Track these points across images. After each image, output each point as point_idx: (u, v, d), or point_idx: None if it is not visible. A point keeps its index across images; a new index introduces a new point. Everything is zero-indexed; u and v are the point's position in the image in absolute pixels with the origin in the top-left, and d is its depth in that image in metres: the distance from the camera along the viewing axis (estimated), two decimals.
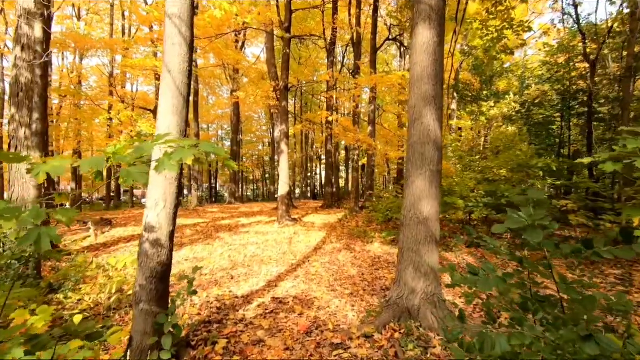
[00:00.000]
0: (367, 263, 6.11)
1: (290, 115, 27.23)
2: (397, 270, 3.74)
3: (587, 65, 12.25)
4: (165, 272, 2.78)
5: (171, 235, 2.80)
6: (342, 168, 33.18)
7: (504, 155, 7.12)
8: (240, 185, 29.59)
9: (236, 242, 7.95)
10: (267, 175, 32.68)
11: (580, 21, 10.44)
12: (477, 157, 9.07)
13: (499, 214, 6.98)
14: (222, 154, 2.06)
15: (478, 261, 6.35)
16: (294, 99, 25.90)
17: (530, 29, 7.39)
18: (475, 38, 15.80)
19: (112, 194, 22.44)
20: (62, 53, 22.49)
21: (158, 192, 2.74)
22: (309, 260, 6.32)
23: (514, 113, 10.64)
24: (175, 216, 2.85)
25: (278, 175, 10.79)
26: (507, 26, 6.87)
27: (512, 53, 7.62)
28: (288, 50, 10.19)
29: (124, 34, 20.26)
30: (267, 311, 3.97)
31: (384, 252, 6.95)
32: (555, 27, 11.77)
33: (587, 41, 12.43)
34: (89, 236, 8.15)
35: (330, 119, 8.00)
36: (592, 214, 6.44)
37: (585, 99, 12.09)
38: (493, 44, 7.07)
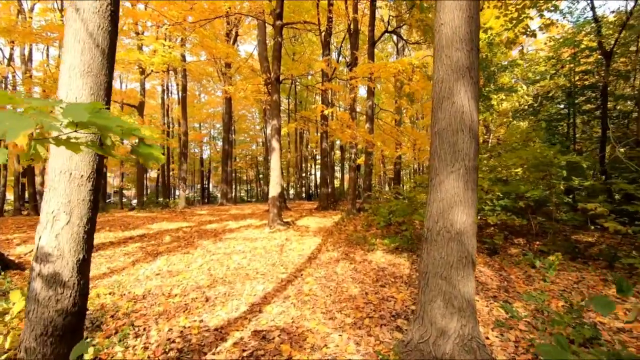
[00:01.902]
0: (370, 277, 5.11)
1: (283, 112, 26.21)
2: (418, 302, 2.74)
3: (593, 59, 11.45)
4: (70, 327, 1.73)
5: (81, 266, 1.76)
6: (337, 168, 32.25)
7: (521, 152, 6.18)
8: (233, 186, 28.46)
9: (220, 251, 6.90)
10: (260, 176, 31.57)
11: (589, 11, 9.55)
12: (486, 154, 8.15)
13: (518, 217, 6.03)
14: (123, 129, 1.04)
15: (497, 274, 5.40)
16: (287, 97, 24.86)
17: (556, 8, 6.45)
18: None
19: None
20: (47, 48, 21.24)
21: (58, 200, 1.70)
22: (301, 274, 5.30)
23: (526, 107, 9.74)
24: (90, 236, 1.81)
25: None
26: (529, 4, 5.92)
27: (534, 35, 6.70)
28: (280, 39, 9.15)
29: None
30: (245, 353, 2.94)
31: (388, 262, 5.96)
32: (565, 17, 10.90)
33: (591, 34, 11.63)
34: None
35: (326, 112, 7.03)
36: (625, 218, 5.52)
37: (594, 94, 11.30)
38: (512, 25, 6.14)
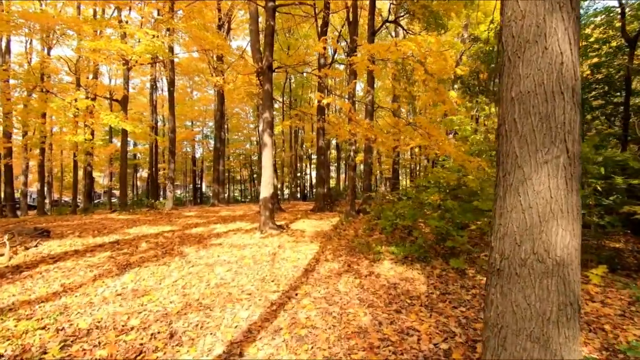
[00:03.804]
0: (380, 298, 4.07)
1: (277, 110, 25.06)
2: None
3: (604, 52, 10.63)
4: None
5: None
6: (332, 168, 31.25)
7: None
8: (226, 186, 27.24)
9: (201, 261, 5.80)
10: (254, 175, 30.40)
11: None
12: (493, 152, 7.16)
13: None
14: None
15: None
16: (282, 95, 23.74)
17: None
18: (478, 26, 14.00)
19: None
20: (30, 41, 19.92)
21: None
22: (296, 294, 4.23)
23: None
24: None
25: None
26: None
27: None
28: (272, 22, 8.09)
29: (95, 17, 17.78)
30: None
31: (399, 276, 4.93)
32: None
33: (602, 26, 10.87)
34: (2, 254, 5.85)
35: (324, 101, 6.01)
36: None
37: (603, 89, 10.49)
38: None
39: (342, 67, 19.20)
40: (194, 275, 5.05)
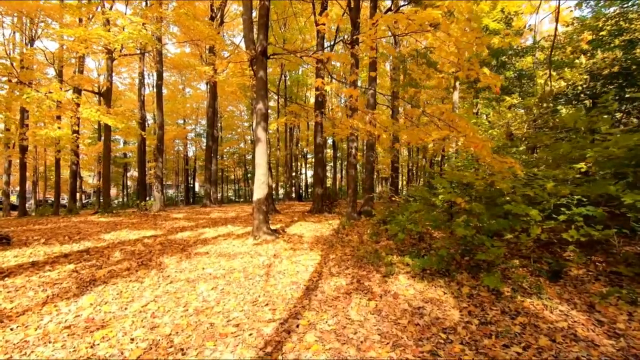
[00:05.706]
0: (407, 332, 3.10)
1: (272, 109, 23.99)
2: None
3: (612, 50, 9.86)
4: None
5: None
6: (328, 167, 30.27)
7: (610, 141, 4.28)
8: (219, 186, 26.05)
9: (182, 276, 4.78)
10: (248, 175, 29.26)
11: None
12: (522, 147, 6.30)
13: (611, 232, 4.08)
14: None
15: (591, 318, 3.48)
16: (277, 93, 22.67)
17: None
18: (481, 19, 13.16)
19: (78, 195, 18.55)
20: (14, 33, 18.60)
21: None
22: (297, 326, 3.25)
23: (579, 88, 7.91)
24: None
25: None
26: None
27: None
28: (267, 2, 7.09)
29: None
30: None
31: (421, 296, 3.97)
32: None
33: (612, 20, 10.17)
34: None
35: (327, 87, 5.08)
36: None
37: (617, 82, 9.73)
38: None
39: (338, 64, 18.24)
40: (170, 296, 4.03)
